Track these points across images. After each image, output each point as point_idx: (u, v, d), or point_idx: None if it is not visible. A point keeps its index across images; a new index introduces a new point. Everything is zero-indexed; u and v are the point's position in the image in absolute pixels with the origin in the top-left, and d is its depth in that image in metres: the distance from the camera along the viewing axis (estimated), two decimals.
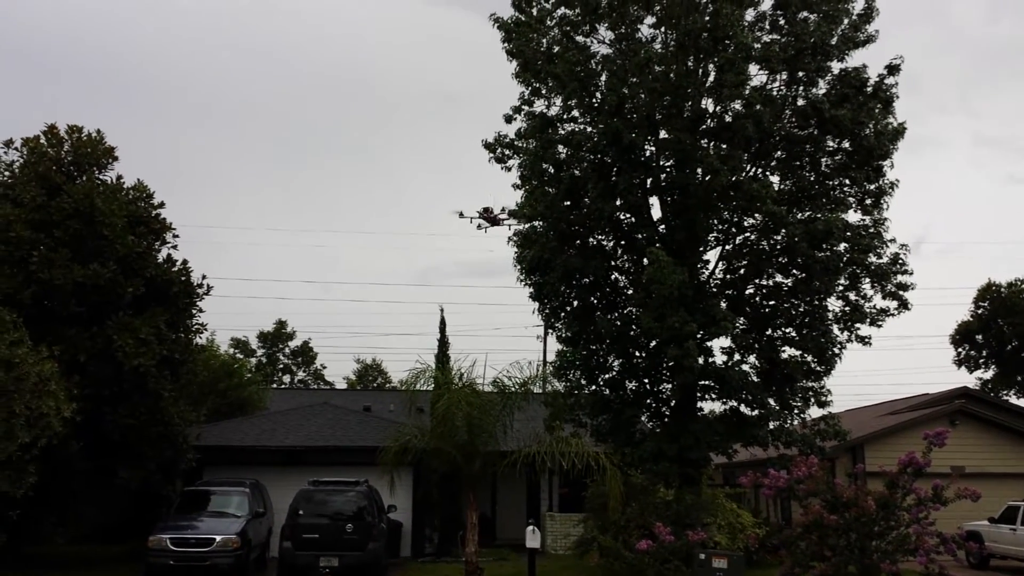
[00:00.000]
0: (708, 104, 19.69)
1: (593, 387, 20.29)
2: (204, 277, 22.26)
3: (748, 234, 20.26)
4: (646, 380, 20.09)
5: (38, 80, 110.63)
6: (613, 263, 20.96)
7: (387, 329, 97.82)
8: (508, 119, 20.73)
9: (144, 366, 18.91)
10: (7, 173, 20.77)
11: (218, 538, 18.23)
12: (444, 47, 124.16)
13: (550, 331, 24.34)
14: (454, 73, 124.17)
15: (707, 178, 18.96)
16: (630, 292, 20.50)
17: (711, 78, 19.48)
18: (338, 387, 59.78)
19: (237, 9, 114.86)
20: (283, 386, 58.18)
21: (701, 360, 18.49)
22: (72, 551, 22.31)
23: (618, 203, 19.81)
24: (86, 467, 19.09)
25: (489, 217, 21.85)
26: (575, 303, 20.79)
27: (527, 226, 21.01)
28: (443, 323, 28.37)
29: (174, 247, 21.95)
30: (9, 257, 18.66)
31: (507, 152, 21.07)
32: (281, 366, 64.65)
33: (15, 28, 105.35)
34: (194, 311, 22.21)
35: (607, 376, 20.31)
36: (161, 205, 21.77)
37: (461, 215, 22.91)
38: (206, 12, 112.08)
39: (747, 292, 20.38)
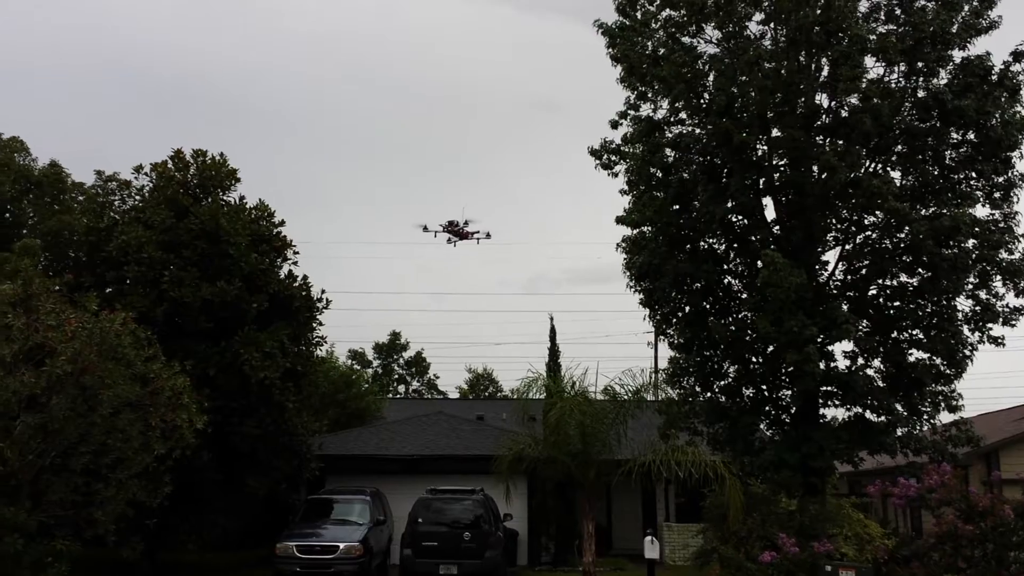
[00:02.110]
0: (822, 100, 19.13)
1: (708, 394, 19.91)
2: (323, 291, 23.03)
3: (869, 233, 19.51)
4: (764, 386, 19.59)
5: (157, 105, 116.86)
6: (725, 267, 20.53)
7: (497, 338, 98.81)
8: (614, 124, 20.59)
9: (269, 379, 19.64)
10: (138, 197, 22.00)
11: (342, 545, 18.77)
12: (542, 55, 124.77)
13: (661, 337, 24.06)
14: (552, 81, 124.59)
15: (823, 176, 18.39)
16: (744, 296, 20.04)
17: (824, 73, 18.92)
18: (451, 396, 60.74)
19: (335, 32, 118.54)
20: (398, 396, 59.49)
21: (822, 365, 17.90)
22: (204, 558, 23.33)
23: (729, 205, 19.42)
24: (217, 477, 19.96)
25: (455, 231, 20.94)
26: (687, 308, 20.46)
27: (635, 232, 20.81)
28: (553, 331, 28.43)
29: (294, 263, 22.76)
30: (142, 277, 19.74)
31: (613, 158, 20.92)
32: (396, 376, 66.10)
33: (137, 60, 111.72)
34: (314, 324, 22.95)
35: (723, 383, 19.90)
36: (281, 223, 22.62)
37: (425, 229, 21.71)
38: (304, 36, 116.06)
39: (870, 293, 19.62)
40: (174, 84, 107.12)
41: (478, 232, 18.95)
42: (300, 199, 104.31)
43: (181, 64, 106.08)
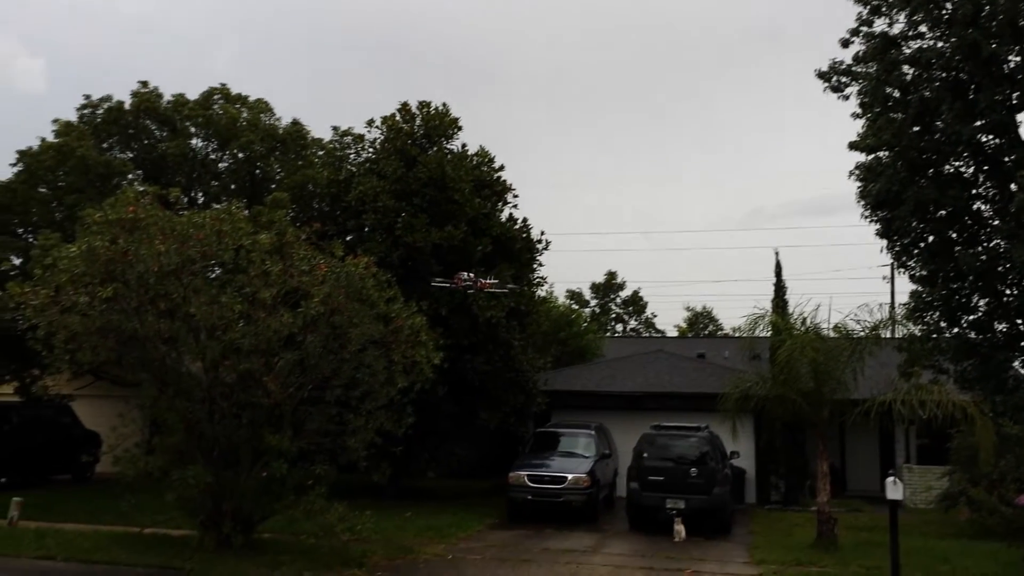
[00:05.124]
0: None
1: (955, 330, 18.48)
2: (543, 233, 23.59)
3: None
4: (1020, 320, 17.93)
5: (378, 60, 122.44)
6: (974, 191, 18.81)
7: (716, 276, 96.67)
8: (844, 43, 19.22)
9: (495, 318, 20.48)
10: (371, 150, 23.35)
11: (570, 476, 19.41)
12: None
13: (900, 270, 22.55)
14: (771, 7, 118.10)
15: None
16: (996, 223, 18.30)
17: None
18: (669, 335, 60.40)
19: None
20: (616, 335, 59.92)
21: None
22: (442, 485, 24.90)
23: (978, 124, 17.69)
24: (452, 410, 21.20)
25: (467, 285, 19.31)
26: (930, 238, 18.97)
27: (871, 157, 19.51)
28: (778, 267, 27.35)
29: (514, 207, 23.43)
30: (379, 224, 21.04)
31: (844, 79, 19.60)
32: (613, 316, 66.58)
33: (355, 20, 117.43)
34: (535, 266, 23.60)
35: (971, 317, 18.37)
36: (501, 168, 23.29)
37: (433, 283, 19.91)
38: None
39: None
40: (391, 40, 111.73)
41: (495, 281, 18.65)
42: (514, 143, 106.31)
43: (398, 21, 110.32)
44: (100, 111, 25.00)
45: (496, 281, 18.15)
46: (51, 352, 13.80)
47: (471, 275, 18.00)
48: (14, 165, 23.23)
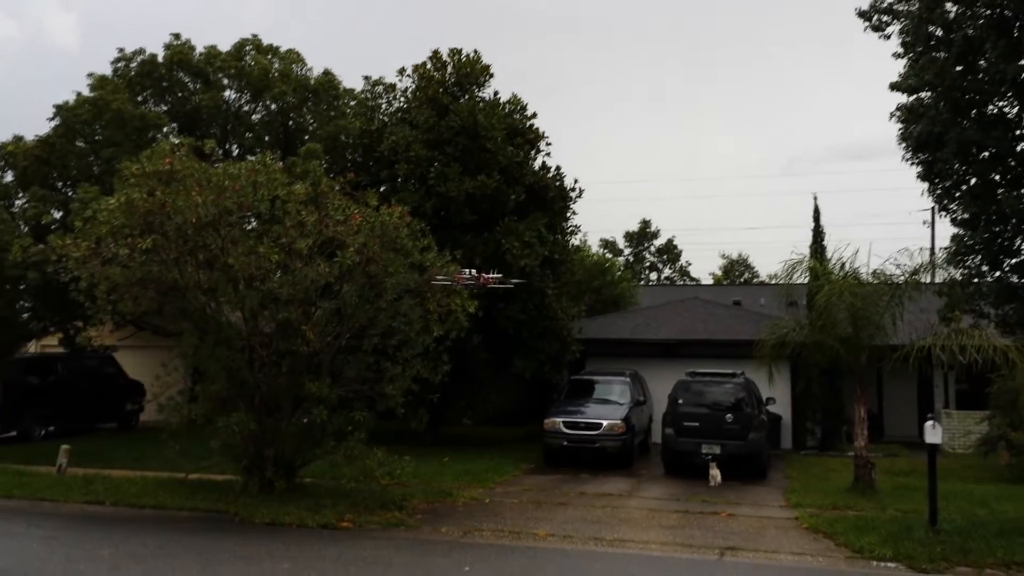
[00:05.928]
0: None
1: (997, 273, 18.17)
2: (576, 181, 23.43)
3: None
4: None
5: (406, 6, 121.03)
6: (1018, 132, 18.32)
7: (751, 223, 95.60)
8: None
9: (529, 266, 20.47)
10: (403, 99, 23.23)
11: (604, 423, 19.56)
12: None
13: (941, 214, 22.15)
14: None
15: None
16: None
17: None
18: (704, 283, 60.10)
19: None
20: (650, 283, 59.74)
21: None
22: (478, 432, 25.23)
23: (1023, 63, 17.17)
24: (487, 358, 21.35)
25: (470, 283, 18.86)
26: (972, 181, 18.55)
27: (912, 98, 19.03)
28: (817, 212, 26.88)
29: (547, 155, 23.34)
30: (412, 174, 21.03)
31: (885, 18, 19.06)
32: (647, 264, 66.33)
33: None
34: (568, 214, 23.48)
35: (1014, 261, 18.03)
36: (534, 116, 23.07)
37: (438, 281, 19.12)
38: None
39: None
40: None
41: (499, 276, 18.55)
42: (546, 88, 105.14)
43: None
44: (134, 64, 25.13)
45: (500, 276, 18.20)
46: (93, 303, 14.08)
47: (472, 271, 18.11)
48: (51, 119, 23.48)
